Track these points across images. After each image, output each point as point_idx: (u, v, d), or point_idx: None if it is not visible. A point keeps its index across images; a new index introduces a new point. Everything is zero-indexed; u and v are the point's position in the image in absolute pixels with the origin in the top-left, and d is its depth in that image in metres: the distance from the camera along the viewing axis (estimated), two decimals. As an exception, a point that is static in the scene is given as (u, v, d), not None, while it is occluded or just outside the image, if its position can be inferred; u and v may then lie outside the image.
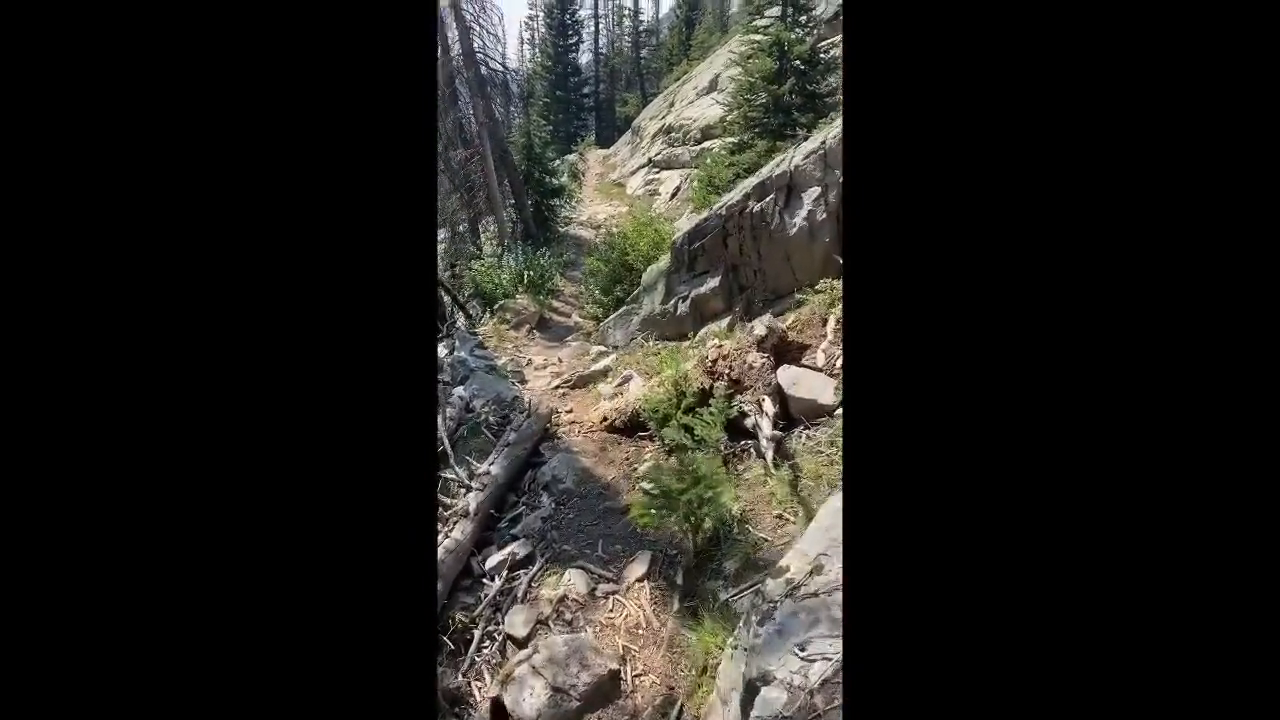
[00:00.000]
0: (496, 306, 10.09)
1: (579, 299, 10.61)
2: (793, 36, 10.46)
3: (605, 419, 5.82)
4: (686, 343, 7.56)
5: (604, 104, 38.76)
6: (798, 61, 10.50)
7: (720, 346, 4.91)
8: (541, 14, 39.21)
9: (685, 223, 12.22)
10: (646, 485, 3.65)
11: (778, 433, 4.23)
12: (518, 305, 9.96)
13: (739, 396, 4.62)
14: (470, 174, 12.63)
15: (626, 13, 36.76)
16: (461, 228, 13.31)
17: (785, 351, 4.91)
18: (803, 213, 6.41)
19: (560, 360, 8.21)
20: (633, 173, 19.05)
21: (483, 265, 11.62)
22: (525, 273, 10.81)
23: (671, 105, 19.45)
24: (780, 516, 3.72)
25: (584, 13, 38.02)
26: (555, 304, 10.48)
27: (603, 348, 8.32)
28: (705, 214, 7.65)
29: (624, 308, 8.55)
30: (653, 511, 3.61)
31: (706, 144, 15.33)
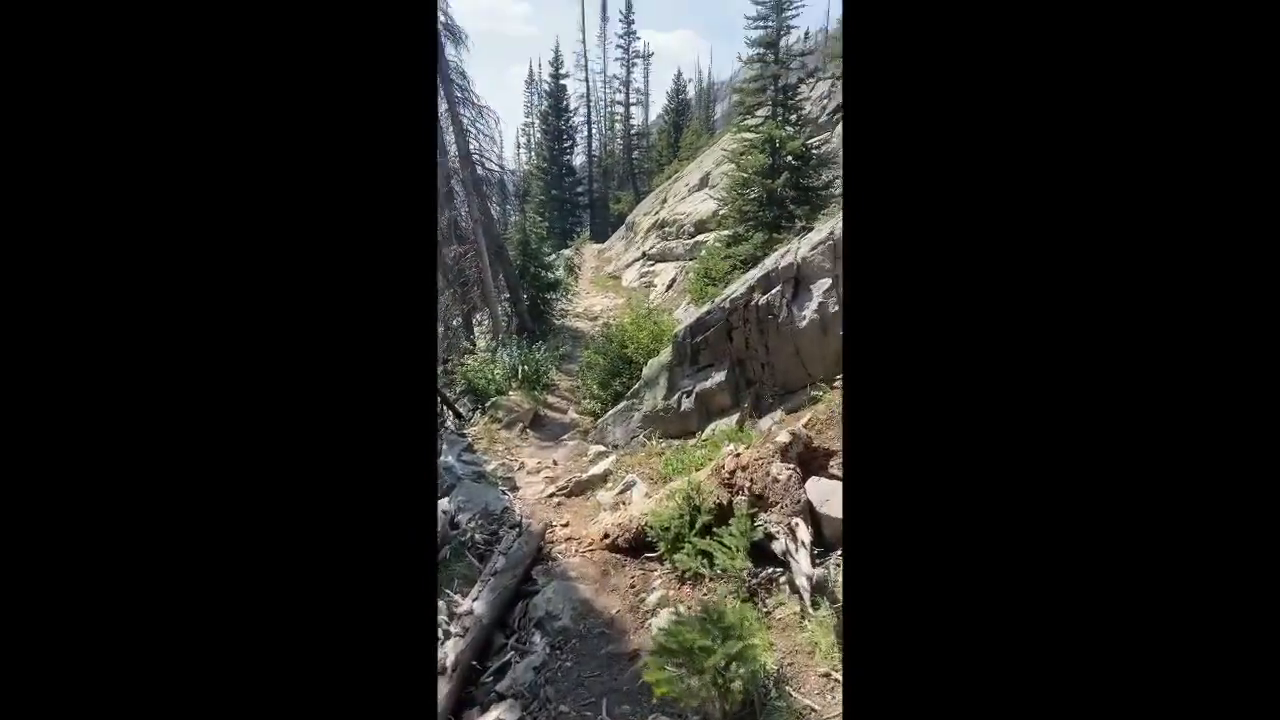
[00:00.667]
0: (489, 404, 9.53)
1: (575, 394, 10.07)
2: (784, 134, 10.61)
3: (606, 535, 5.13)
4: (693, 440, 6.97)
5: (598, 202, 40.06)
6: (790, 157, 10.60)
7: (739, 455, 4.33)
8: (537, 120, 41.34)
9: (685, 314, 11.95)
10: (662, 638, 2.96)
11: (818, 570, 3.56)
12: (511, 402, 9.41)
13: (763, 515, 3.99)
14: (465, 269, 12.46)
15: (618, 117, 38.71)
16: (455, 323, 13.00)
17: (811, 459, 4.34)
18: (812, 305, 6.03)
19: (555, 463, 7.56)
20: (628, 266, 19.12)
21: (476, 361, 11.18)
22: (519, 367, 10.35)
23: (664, 201, 19.84)
24: (827, 675, 3.01)
25: (578, 119, 40.14)
26: (551, 399, 9.94)
27: (601, 447, 7.70)
28: (708, 306, 7.30)
29: (623, 403, 8.02)
30: (670, 671, 2.90)
31: (700, 237, 15.41)
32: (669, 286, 14.97)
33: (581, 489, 6.62)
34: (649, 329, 9.22)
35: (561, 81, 39.44)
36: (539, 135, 41.58)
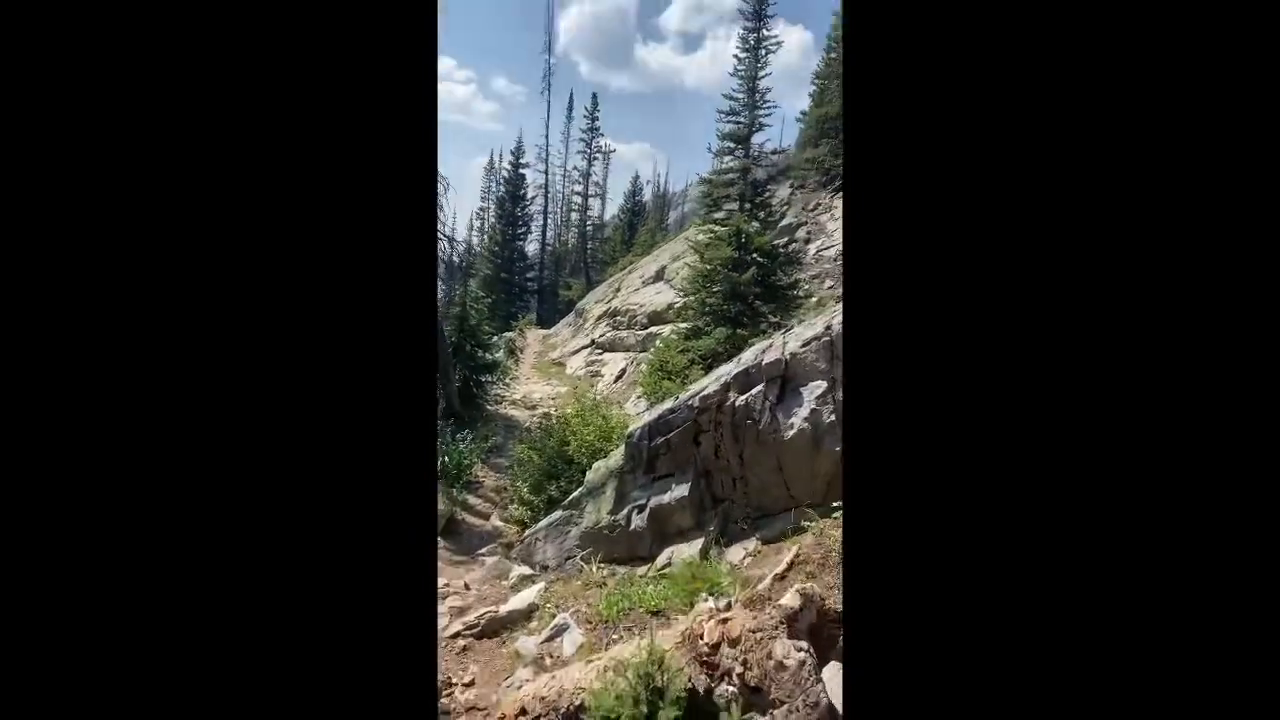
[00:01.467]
0: (395, 501, 7.91)
1: (502, 496, 8.51)
2: (751, 228, 10.09)
3: (525, 712, 3.63)
4: (643, 569, 5.59)
5: (547, 289, 39.57)
6: (756, 254, 10.03)
7: (724, 620, 3.02)
8: (493, 205, 41.35)
9: (636, 408, 10.80)
10: None
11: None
12: (423, 501, 7.82)
13: (760, 719, 2.66)
14: (392, 341, 11.08)
15: (575, 206, 39.02)
16: (373, 399, 11.41)
17: (821, 629, 3.09)
18: (802, 411, 4.97)
19: (468, 586, 5.93)
20: (574, 352, 18.04)
21: (390, 445, 9.56)
22: (441, 457, 8.80)
23: (617, 290, 19.19)
24: None
25: (534, 208, 40.37)
26: (472, 500, 8.35)
27: (527, 569, 6.15)
28: (670, 403, 6.15)
29: (559, 513, 6.58)
30: None
31: (654, 329, 14.60)
32: (618, 377, 13.89)
33: (497, 628, 5.04)
34: (596, 424, 7.93)
35: (521, 170, 39.91)
36: (493, 219, 41.52)
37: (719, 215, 10.93)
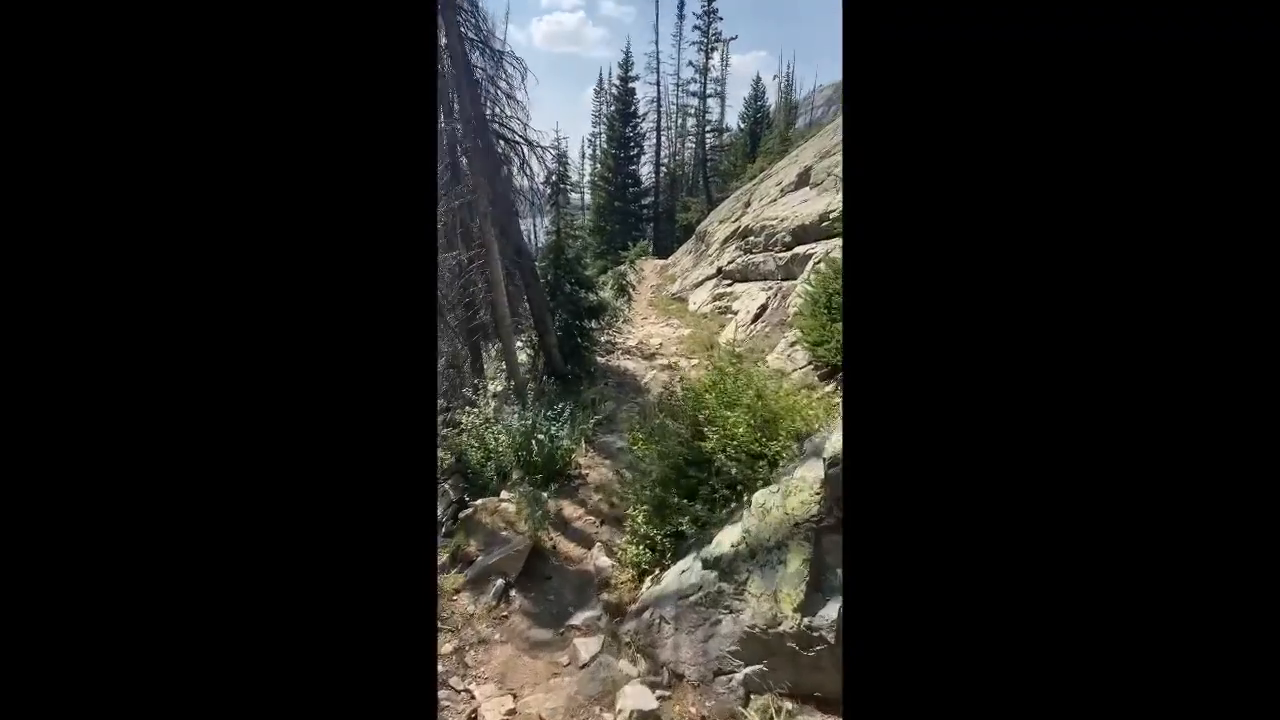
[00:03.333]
0: (462, 515, 5.52)
1: (613, 502, 5.86)
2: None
3: None
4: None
5: (663, 215, 36.21)
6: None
7: None
8: (604, 127, 38.03)
9: (794, 362, 7.67)
10: None
11: None
12: (495, 518, 5.36)
13: None
14: (472, 283, 8.63)
15: (691, 111, 34.25)
16: (458, 358, 9.16)
17: None
18: None
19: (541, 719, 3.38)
20: (697, 285, 14.93)
21: (476, 419, 7.25)
22: (530, 442, 6.34)
23: (746, 205, 15.58)
24: None
25: (646, 125, 36.55)
26: (570, 511, 5.81)
27: (643, 691, 3.48)
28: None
29: (697, 574, 3.79)
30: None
31: (801, 249, 11.09)
32: (757, 316, 10.67)
33: None
34: (747, 403, 4.76)
35: (630, 85, 36.05)
36: (604, 143, 38.32)
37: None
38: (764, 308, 10.62)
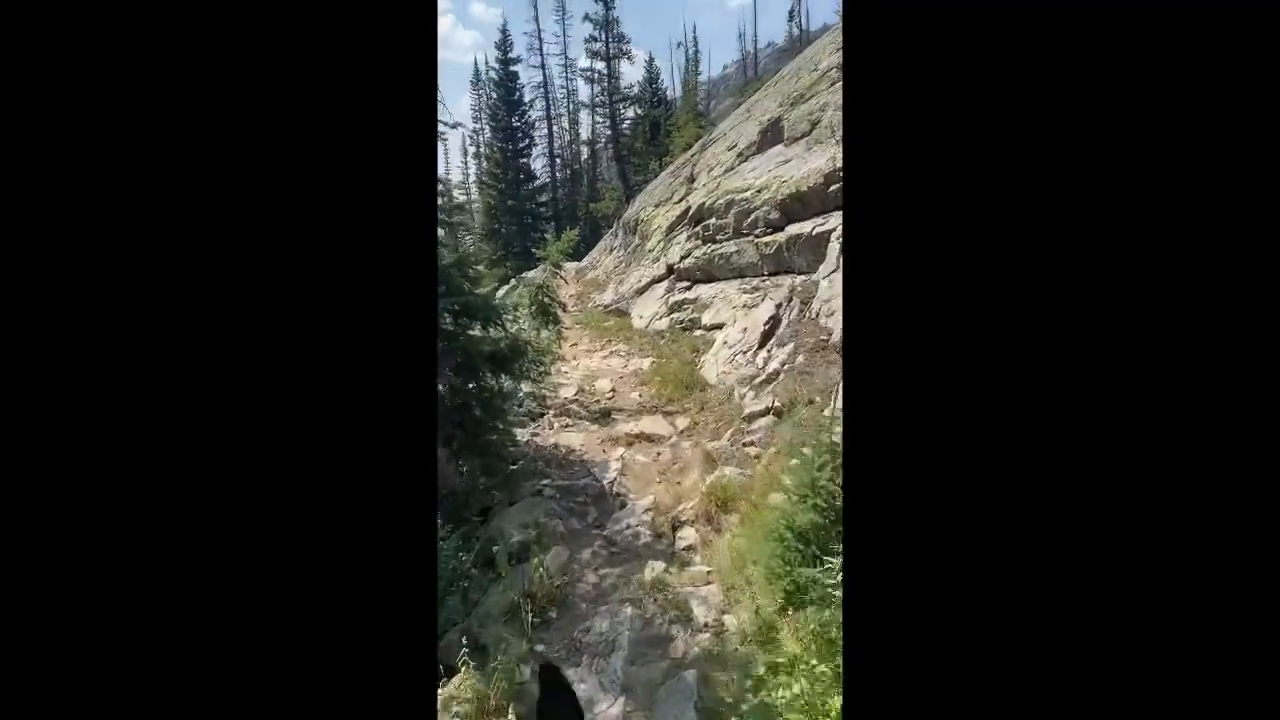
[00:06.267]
0: None
1: None
2: None
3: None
4: None
5: (564, 211, 31.78)
6: None
7: None
8: (486, 119, 32.95)
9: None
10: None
11: None
12: None
13: None
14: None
15: (597, 77, 29.47)
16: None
17: None
18: None
19: None
20: (639, 291, 10.80)
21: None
22: None
23: (692, 180, 11.62)
24: None
25: (534, 114, 31.88)
26: None
27: None
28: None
29: None
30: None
31: (799, 227, 7.28)
32: (766, 336, 6.65)
33: None
34: None
35: (511, 68, 31.22)
36: (488, 136, 33.21)
37: None
38: (774, 320, 6.67)
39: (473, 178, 34.90)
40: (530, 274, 8.76)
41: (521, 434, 5.86)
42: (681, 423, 5.88)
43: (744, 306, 7.89)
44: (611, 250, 15.44)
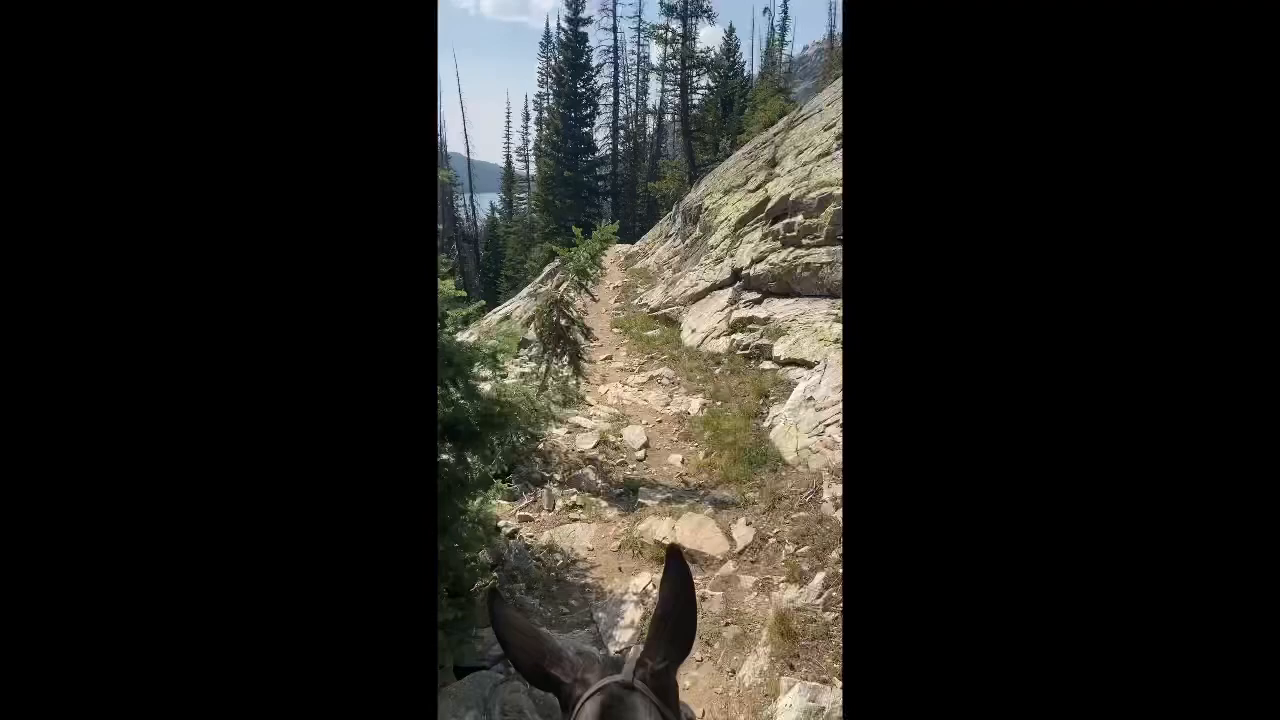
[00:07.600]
0: None
1: None
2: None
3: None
4: None
5: (623, 188, 29.71)
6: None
7: None
8: (551, 83, 30.94)
9: None
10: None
11: None
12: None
13: None
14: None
15: (671, 38, 26.56)
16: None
17: None
18: None
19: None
20: (696, 296, 8.74)
21: None
22: None
23: (773, 164, 9.39)
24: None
25: (602, 79, 29.68)
26: None
27: None
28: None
29: None
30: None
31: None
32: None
33: None
34: None
35: (582, 29, 29.05)
36: (551, 101, 31.26)
37: None
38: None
39: (531, 144, 33.13)
40: (548, 287, 6.69)
41: (506, 519, 4.02)
42: (742, 532, 3.89)
43: (837, 342, 5.78)
44: (667, 237, 13.35)
